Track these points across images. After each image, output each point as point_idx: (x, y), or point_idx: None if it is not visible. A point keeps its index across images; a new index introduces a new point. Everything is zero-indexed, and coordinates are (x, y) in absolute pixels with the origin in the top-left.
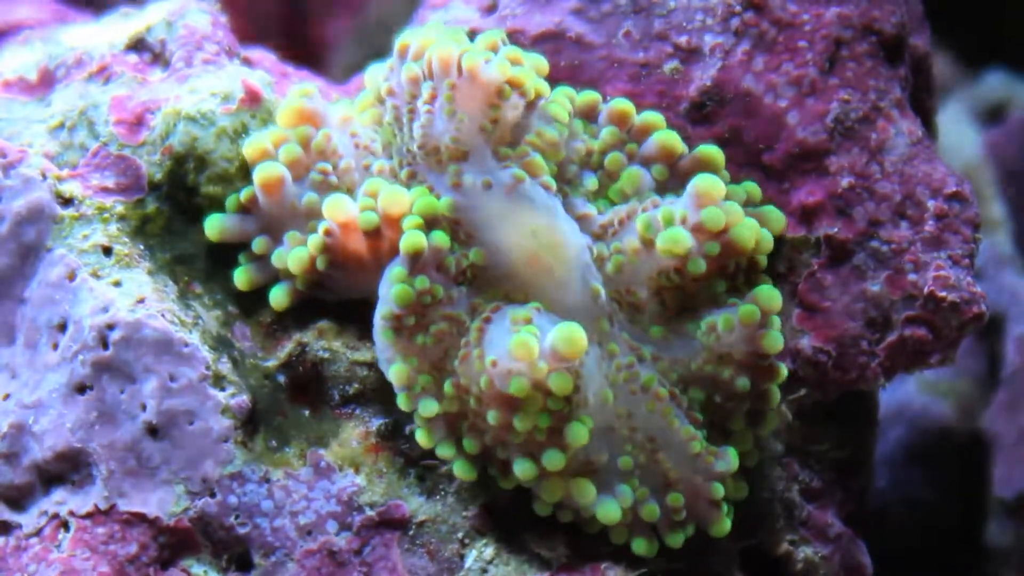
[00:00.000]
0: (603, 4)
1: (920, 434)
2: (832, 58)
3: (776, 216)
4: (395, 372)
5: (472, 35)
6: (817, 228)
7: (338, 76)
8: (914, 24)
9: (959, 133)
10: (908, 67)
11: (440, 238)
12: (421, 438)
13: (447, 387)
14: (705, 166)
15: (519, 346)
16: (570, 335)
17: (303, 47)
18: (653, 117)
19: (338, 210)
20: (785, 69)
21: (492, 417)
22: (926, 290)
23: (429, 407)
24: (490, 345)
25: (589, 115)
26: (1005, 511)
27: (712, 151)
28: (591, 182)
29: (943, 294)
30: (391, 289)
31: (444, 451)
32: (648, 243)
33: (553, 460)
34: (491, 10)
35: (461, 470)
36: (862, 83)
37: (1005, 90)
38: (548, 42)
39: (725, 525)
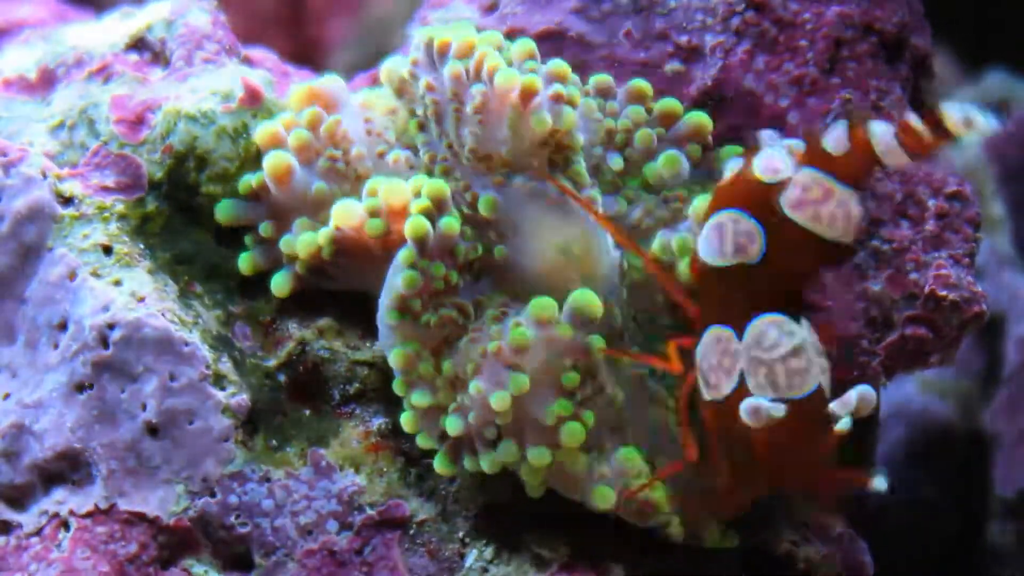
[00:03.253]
0: (604, 3)
1: (921, 434)
2: (833, 58)
3: None
4: (395, 356)
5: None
6: None
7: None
8: (915, 24)
9: None
10: (909, 66)
11: (449, 224)
12: (406, 422)
13: (446, 367)
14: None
15: (540, 306)
16: (586, 297)
17: (303, 46)
18: (673, 103)
19: (347, 217)
20: (786, 68)
21: (473, 387)
22: (927, 289)
23: (422, 398)
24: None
25: (605, 95)
26: (1005, 511)
27: (737, 152)
28: (616, 162)
29: (944, 293)
30: (400, 274)
31: (424, 442)
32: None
33: (539, 456)
34: (492, 9)
35: (440, 464)
36: (863, 83)
37: (1005, 90)
38: (549, 41)
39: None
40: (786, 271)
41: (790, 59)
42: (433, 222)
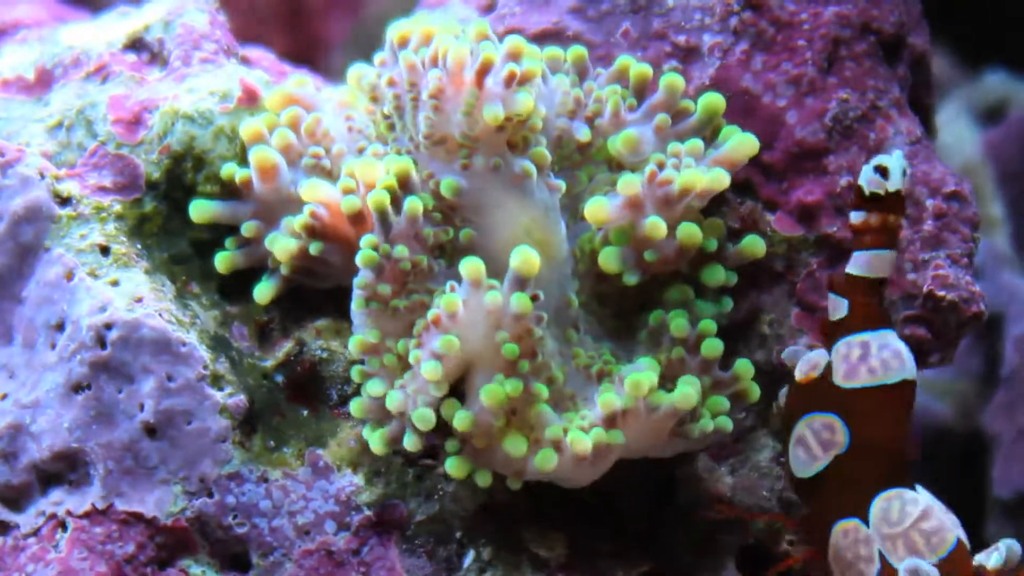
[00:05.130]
0: (602, 3)
1: (919, 434)
2: (831, 57)
3: (755, 242)
4: (355, 343)
5: None
6: (816, 227)
7: (337, 76)
8: (913, 23)
9: (958, 132)
10: (907, 66)
11: (413, 204)
12: (356, 407)
13: (400, 347)
14: (711, 115)
15: (471, 265)
16: (524, 254)
17: (302, 46)
18: (644, 68)
19: (316, 192)
20: (784, 68)
21: (413, 357)
22: (925, 289)
23: (378, 386)
24: None
25: (583, 74)
26: (1003, 511)
27: (715, 99)
28: (584, 133)
29: (942, 293)
30: (361, 255)
31: (370, 434)
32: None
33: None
34: (490, 9)
35: (376, 442)
36: (861, 82)
37: (1005, 90)
38: (547, 41)
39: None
40: (879, 442)
41: (788, 59)
42: (399, 201)
